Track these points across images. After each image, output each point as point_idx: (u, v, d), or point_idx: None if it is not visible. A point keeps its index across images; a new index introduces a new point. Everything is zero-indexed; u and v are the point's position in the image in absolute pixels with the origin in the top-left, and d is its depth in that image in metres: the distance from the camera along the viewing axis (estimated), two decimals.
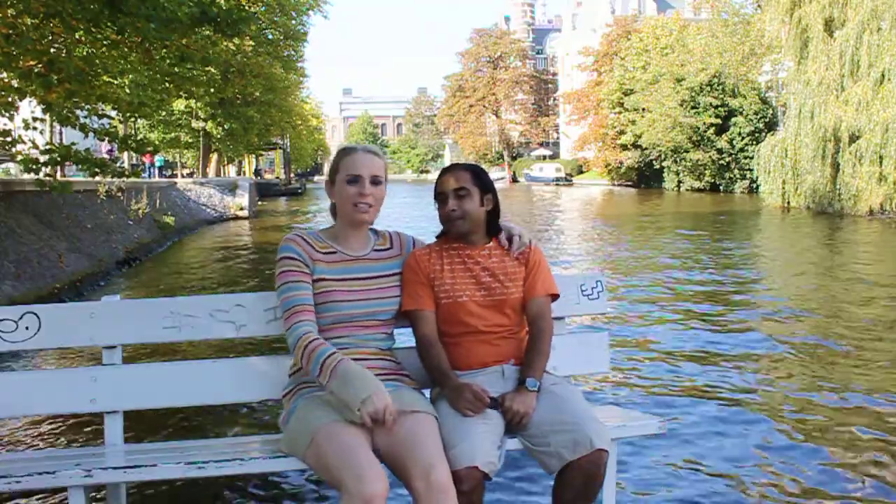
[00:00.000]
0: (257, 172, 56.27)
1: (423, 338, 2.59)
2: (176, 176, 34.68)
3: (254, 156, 54.03)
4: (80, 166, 10.05)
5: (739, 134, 42.23)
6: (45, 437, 4.41)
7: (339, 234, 2.58)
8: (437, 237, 2.72)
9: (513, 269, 2.63)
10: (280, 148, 56.78)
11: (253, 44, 26.81)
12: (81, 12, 8.18)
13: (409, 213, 25.70)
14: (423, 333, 2.60)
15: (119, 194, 16.26)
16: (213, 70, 18.99)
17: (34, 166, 8.65)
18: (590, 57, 65.15)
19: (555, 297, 2.70)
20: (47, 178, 9.18)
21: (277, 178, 58.12)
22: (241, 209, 26.73)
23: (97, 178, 15.01)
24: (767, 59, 37.67)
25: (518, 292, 2.61)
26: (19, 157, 8.96)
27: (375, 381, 2.27)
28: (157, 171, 34.85)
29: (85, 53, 9.90)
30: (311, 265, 2.48)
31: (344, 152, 2.58)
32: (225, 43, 17.88)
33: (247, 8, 14.99)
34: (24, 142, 9.01)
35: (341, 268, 2.52)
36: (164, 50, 10.15)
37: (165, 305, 2.70)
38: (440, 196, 2.63)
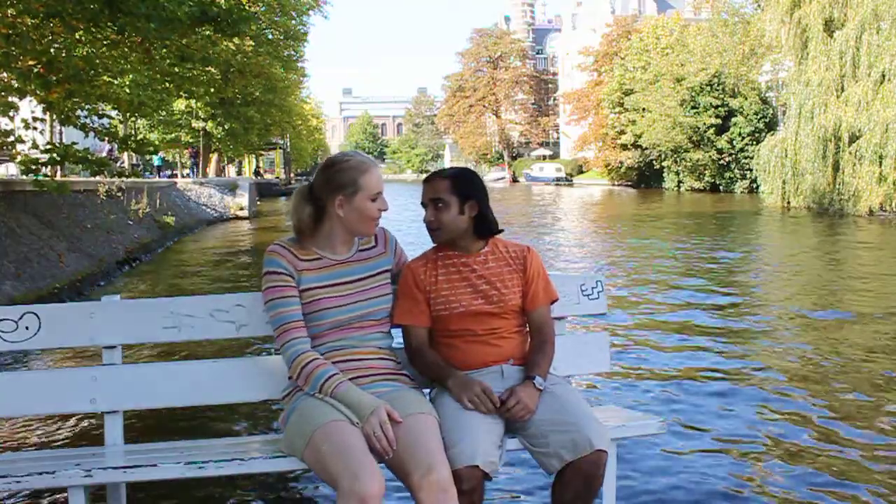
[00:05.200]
0: (257, 172, 56.18)
1: (413, 348, 2.59)
2: (175, 176, 34.63)
3: (254, 156, 53.94)
4: (81, 166, 10.06)
5: (739, 134, 42.18)
6: (45, 437, 4.40)
7: (326, 240, 2.53)
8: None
9: (510, 276, 2.61)
10: (280, 148, 56.72)
11: (253, 44, 26.75)
12: (81, 12, 8.17)
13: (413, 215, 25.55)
14: (414, 345, 2.59)
15: (119, 194, 16.26)
16: (213, 70, 18.96)
17: (33, 166, 8.66)
18: (590, 57, 65.13)
19: (555, 300, 2.71)
20: (44, 177, 9.19)
21: (277, 178, 58.07)
22: (241, 209, 26.73)
23: (97, 178, 15.03)
24: (767, 59, 37.67)
25: (516, 298, 2.60)
26: (18, 158, 8.96)
27: (372, 406, 2.28)
28: (195, 168, 34.58)
29: (85, 53, 9.89)
30: (296, 276, 2.46)
31: (361, 169, 2.47)
32: (225, 43, 17.86)
33: (247, 8, 14.96)
34: (23, 141, 9.01)
35: (328, 273, 2.49)
36: (164, 50, 10.16)
37: (165, 305, 2.70)
38: (423, 205, 2.63)
